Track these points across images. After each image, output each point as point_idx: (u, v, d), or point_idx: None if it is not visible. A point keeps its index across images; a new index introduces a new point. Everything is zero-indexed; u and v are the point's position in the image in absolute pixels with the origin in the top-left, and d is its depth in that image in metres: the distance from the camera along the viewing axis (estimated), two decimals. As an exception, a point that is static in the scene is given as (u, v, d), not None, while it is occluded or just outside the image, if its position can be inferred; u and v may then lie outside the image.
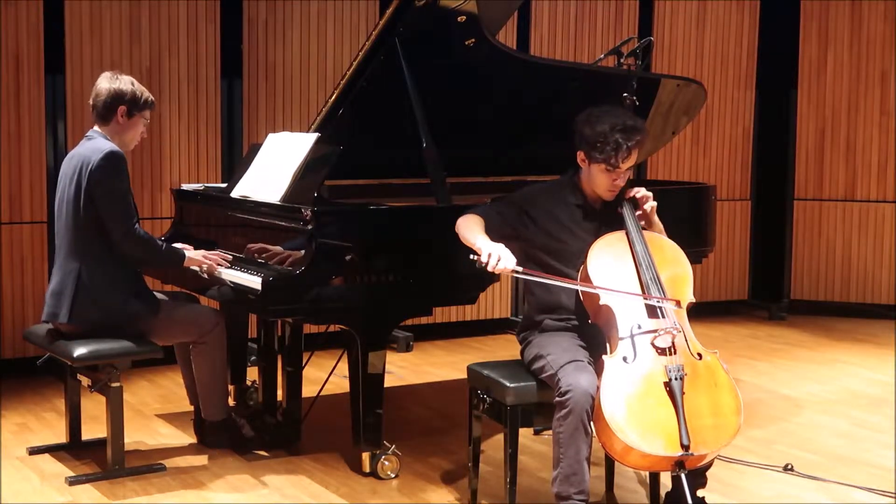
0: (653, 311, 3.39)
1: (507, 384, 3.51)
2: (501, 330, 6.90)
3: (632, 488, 4.03)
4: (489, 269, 3.32)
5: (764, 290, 7.99)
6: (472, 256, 3.36)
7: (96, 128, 4.14)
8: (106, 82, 4.12)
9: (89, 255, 4.04)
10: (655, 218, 3.66)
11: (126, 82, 4.13)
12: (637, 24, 7.32)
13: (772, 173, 7.93)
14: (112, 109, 4.10)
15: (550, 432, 3.38)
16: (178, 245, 4.27)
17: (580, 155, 3.60)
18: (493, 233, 3.55)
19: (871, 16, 7.51)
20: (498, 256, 3.32)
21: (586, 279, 3.46)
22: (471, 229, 3.54)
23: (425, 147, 4.26)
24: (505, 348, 6.35)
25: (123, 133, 4.15)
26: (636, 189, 3.63)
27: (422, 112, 4.30)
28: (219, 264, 4.15)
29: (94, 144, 4.06)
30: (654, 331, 3.34)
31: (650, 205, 3.62)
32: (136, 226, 4.06)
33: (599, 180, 3.57)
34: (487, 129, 4.89)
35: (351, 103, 4.43)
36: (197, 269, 4.18)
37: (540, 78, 4.84)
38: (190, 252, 4.17)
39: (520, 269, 3.38)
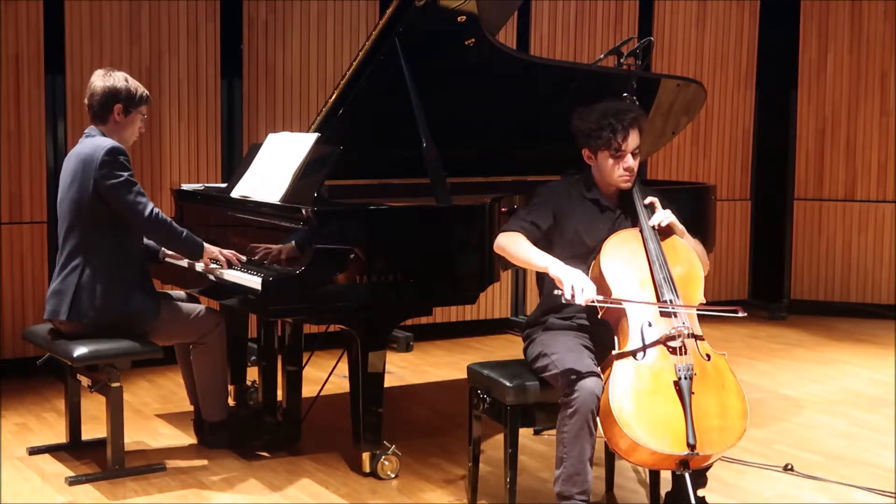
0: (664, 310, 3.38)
1: (507, 384, 3.51)
2: (501, 330, 6.90)
3: (632, 488, 4.03)
4: (575, 302, 3.29)
5: (764, 290, 7.99)
6: (556, 292, 3.32)
7: (94, 126, 4.14)
8: (100, 81, 4.10)
9: (91, 254, 4.04)
10: (678, 227, 3.62)
11: (119, 79, 4.11)
12: (637, 24, 7.32)
13: (772, 173, 7.93)
14: (108, 108, 4.09)
15: (550, 432, 3.38)
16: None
17: (585, 152, 3.61)
18: (533, 243, 3.54)
19: (871, 16, 7.51)
20: (581, 289, 3.29)
21: (599, 276, 3.45)
22: (524, 249, 3.49)
23: (425, 147, 4.26)
24: (505, 348, 6.34)
25: (122, 131, 4.14)
26: (656, 218, 3.58)
27: (422, 112, 4.29)
28: (231, 263, 4.15)
29: (94, 142, 4.05)
30: (665, 329, 3.33)
31: (666, 221, 3.58)
32: (154, 210, 4.06)
33: (609, 169, 3.56)
34: (487, 128, 4.89)
35: (351, 103, 4.43)
36: (210, 265, 4.15)
37: (540, 78, 4.84)
38: (208, 245, 4.16)
39: (599, 297, 3.35)
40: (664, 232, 3.59)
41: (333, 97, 4.46)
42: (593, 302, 3.33)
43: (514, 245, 3.52)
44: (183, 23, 5.92)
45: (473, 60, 4.52)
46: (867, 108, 7.58)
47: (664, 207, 3.62)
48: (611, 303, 3.37)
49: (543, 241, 3.61)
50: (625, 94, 4.12)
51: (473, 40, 4.44)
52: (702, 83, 5.52)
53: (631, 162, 3.54)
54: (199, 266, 4.19)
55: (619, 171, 3.55)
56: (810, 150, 7.75)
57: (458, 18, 4.31)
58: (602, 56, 5.16)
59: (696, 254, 3.64)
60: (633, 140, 3.52)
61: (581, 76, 4.99)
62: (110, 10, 5.73)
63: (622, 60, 4.70)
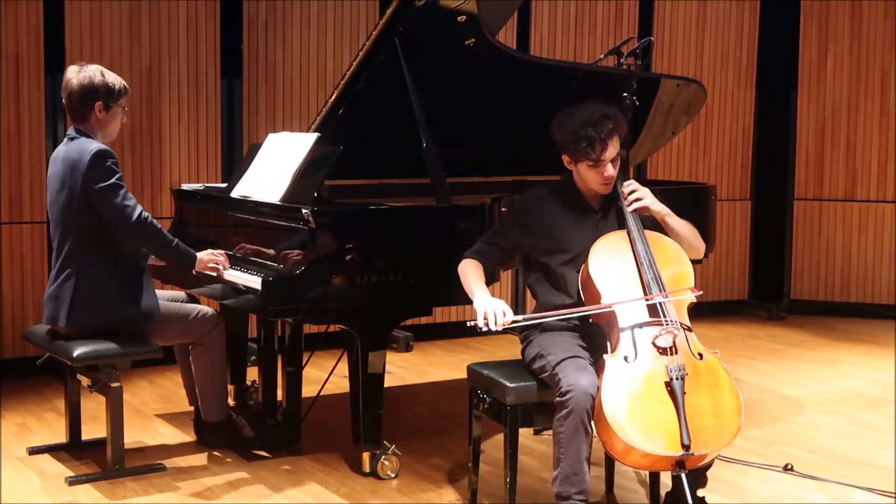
0: (654, 311, 3.39)
1: (507, 384, 3.51)
2: (503, 330, 6.88)
3: (632, 488, 4.03)
4: (489, 329, 3.35)
5: (764, 290, 7.99)
6: (469, 323, 3.38)
7: (75, 127, 4.05)
8: (75, 78, 4.02)
9: (84, 260, 4.00)
10: (656, 207, 3.61)
11: (96, 74, 4.02)
12: (637, 24, 7.32)
13: (772, 173, 7.93)
14: (88, 106, 4.02)
15: (550, 432, 3.38)
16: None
17: (565, 159, 3.64)
18: (494, 264, 3.66)
19: (871, 16, 7.51)
20: (493, 314, 3.35)
21: (587, 279, 3.46)
22: (468, 280, 3.58)
23: (425, 147, 4.26)
24: (505, 348, 6.35)
25: (105, 127, 4.07)
26: (625, 184, 3.63)
27: (422, 112, 4.30)
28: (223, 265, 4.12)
29: (79, 146, 3.98)
30: (656, 330, 3.34)
31: (638, 204, 3.59)
32: (144, 214, 3.96)
33: (589, 177, 3.58)
34: (487, 128, 4.89)
35: (351, 103, 4.43)
36: (211, 272, 4.11)
37: (540, 78, 4.84)
38: (200, 254, 4.08)
39: (519, 318, 3.39)
40: (651, 229, 3.61)
41: (333, 97, 4.46)
42: (513, 323, 3.37)
43: (463, 274, 3.62)
44: (183, 23, 5.92)
45: (473, 60, 4.52)
46: (867, 108, 7.58)
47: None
48: (534, 318, 3.45)
49: (532, 260, 3.66)
50: (625, 94, 4.12)
51: (473, 40, 4.44)
52: (702, 83, 5.52)
53: (611, 171, 3.56)
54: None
55: (599, 178, 3.57)
56: (810, 150, 7.75)
57: (458, 18, 4.32)
58: (602, 56, 5.16)
59: (689, 239, 3.65)
60: (612, 150, 3.53)
61: (581, 76, 4.99)
62: (110, 10, 5.73)
63: (622, 60, 4.69)
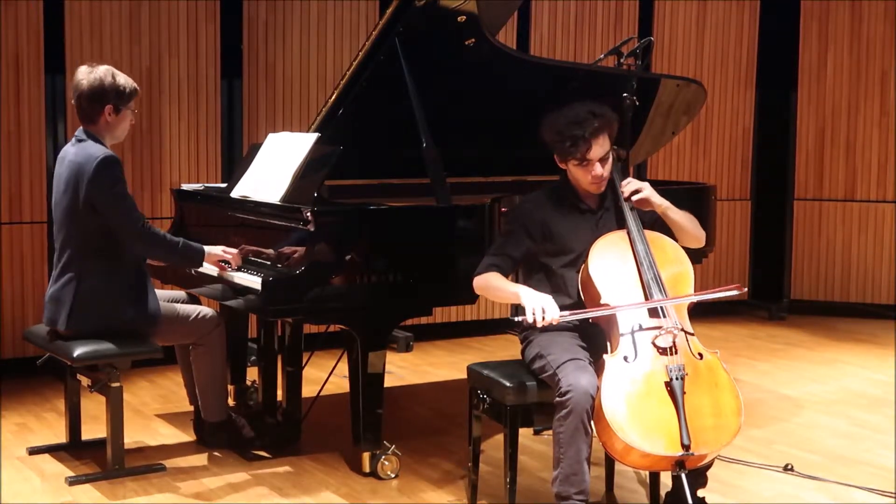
0: (654, 311, 3.39)
1: (507, 384, 3.51)
2: (501, 330, 6.90)
3: (632, 488, 4.03)
4: (537, 327, 3.34)
5: (764, 290, 7.99)
6: (516, 318, 3.36)
7: (84, 128, 4.03)
8: (85, 79, 3.98)
9: (86, 264, 3.99)
10: (657, 200, 3.61)
11: (106, 75, 3.98)
12: (637, 24, 7.32)
13: (772, 173, 7.93)
14: (98, 109, 3.99)
15: (550, 432, 3.39)
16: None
17: (556, 159, 3.63)
18: (509, 272, 3.64)
19: (871, 16, 7.51)
20: (542, 309, 3.32)
21: (587, 279, 3.46)
22: (497, 287, 3.55)
23: (425, 147, 4.26)
24: (505, 348, 6.35)
25: (114, 129, 4.05)
26: (623, 182, 3.63)
27: (422, 112, 4.30)
28: (236, 262, 4.11)
29: (86, 150, 3.96)
30: (656, 330, 3.34)
31: (638, 196, 3.59)
32: (146, 224, 3.99)
33: (578, 176, 3.59)
34: (487, 129, 4.89)
35: (351, 103, 4.43)
36: (215, 269, 4.10)
37: (540, 78, 4.84)
38: (208, 248, 4.09)
39: (566, 313, 3.37)
40: (652, 226, 3.61)
41: (333, 97, 4.46)
42: (562, 318, 3.35)
43: (488, 287, 3.60)
44: (183, 23, 5.92)
45: (473, 60, 4.52)
46: (867, 108, 7.58)
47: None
48: (579, 313, 3.39)
49: (533, 262, 3.67)
50: (625, 94, 4.12)
51: (473, 40, 4.44)
52: (702, 83, 5.52)
53: (599, 170, 3.54)
54: (214, 271, 4.13)
55: (587, 177, 3.56)
56: (810, 150, 7.75)
57: (458, 18, 4.32)
58: (602, 56, 5.16)
59: (691, 230, 3.66)
60: (599, 149, 3.51)
61: (581, 76, 4.99)
62: (110, 10, 5.73)
63: (622, 60, 4.70)
